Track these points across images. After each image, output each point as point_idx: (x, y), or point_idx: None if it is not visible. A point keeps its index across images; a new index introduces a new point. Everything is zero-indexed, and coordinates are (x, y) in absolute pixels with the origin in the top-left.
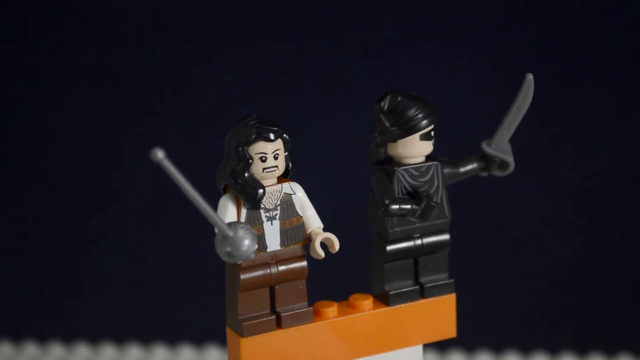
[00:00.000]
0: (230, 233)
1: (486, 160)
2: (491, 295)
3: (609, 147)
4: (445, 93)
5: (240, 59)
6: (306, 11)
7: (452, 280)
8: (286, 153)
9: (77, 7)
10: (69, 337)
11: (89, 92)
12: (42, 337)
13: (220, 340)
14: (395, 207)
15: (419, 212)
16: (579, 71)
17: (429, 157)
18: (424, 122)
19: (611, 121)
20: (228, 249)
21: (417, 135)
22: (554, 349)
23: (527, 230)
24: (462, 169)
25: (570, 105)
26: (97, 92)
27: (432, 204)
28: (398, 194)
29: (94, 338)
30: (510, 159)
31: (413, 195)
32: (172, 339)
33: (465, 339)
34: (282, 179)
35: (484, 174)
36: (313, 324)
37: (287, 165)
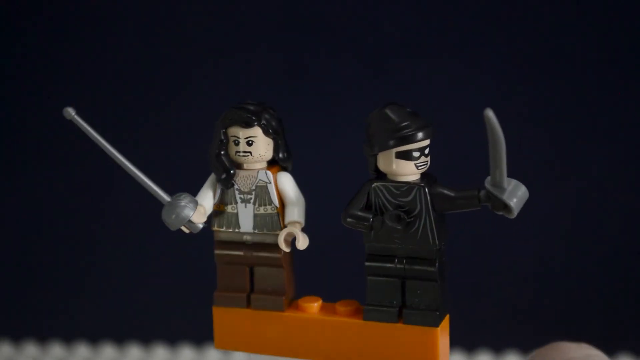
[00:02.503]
0: (167, 198)
1: (489, 197)
2: (491, 295)
3: (609, 148)
4: (443, 100)
5: (239, 60)
6: (308, 13)
7: (435, 312)
8: (279, 142)
9: (75, 7)
10: (69, 337)
11: (89, 92)
12: (42, 337)
13: None
14: (350, 218)
15: (378, 230)
16: (579, 73)
17: (424, 177)
18: (394, 141)
19: (611, 122)
20: (173, 216)
21: (391, 152)
22: None
23: (527, 230)
24: (454, 198)
25: (571, 106)
26: (97, 92)
27: (397, 227)
28: (376, 209)
29: (94, 338)
30: (508, 200)
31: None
32: (172, 339)
33: (465, 339)
34: (271, 167)
35: (498, 212)
36: (281, 313)
37: (276, 155)
